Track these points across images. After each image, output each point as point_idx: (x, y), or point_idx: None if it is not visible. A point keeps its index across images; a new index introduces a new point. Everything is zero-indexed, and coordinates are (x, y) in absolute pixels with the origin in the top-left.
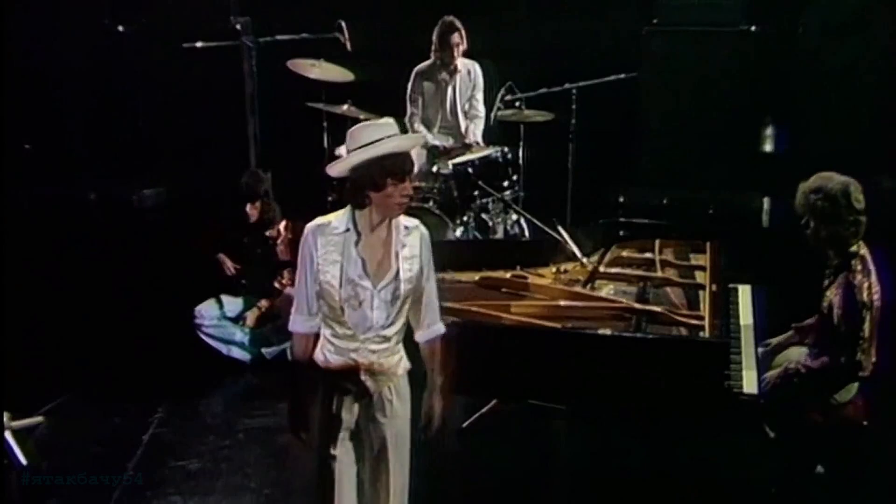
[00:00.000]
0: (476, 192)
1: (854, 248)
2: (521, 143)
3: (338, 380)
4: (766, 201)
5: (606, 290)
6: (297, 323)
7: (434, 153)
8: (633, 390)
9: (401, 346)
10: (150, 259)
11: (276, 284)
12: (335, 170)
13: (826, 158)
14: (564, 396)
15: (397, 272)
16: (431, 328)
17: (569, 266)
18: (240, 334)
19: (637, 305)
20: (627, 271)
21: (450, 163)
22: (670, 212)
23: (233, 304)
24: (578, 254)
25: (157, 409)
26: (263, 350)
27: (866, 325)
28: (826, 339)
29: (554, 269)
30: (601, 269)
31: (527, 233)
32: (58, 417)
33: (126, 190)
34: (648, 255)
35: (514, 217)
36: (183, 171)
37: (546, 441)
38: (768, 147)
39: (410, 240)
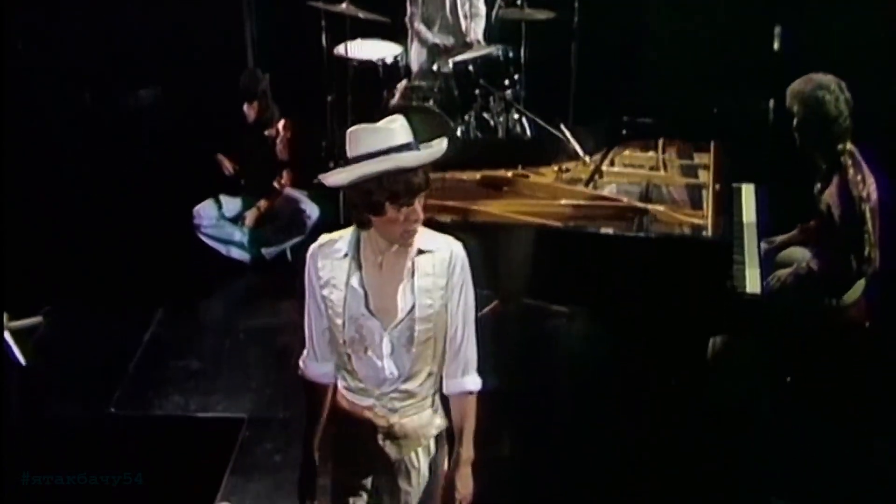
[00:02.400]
0: (477, 91)
1: (842, 147)
2: (522, 42)
3: (351, 439)
4: (771, 102)
5: (608, 188)
6: (307, 368)
7: (435, 52)
8: (634, 290)
9: (435, 399)
10: (147, 160)
11: (275, 184)
12: (330, 181)
13: (832, 58)
14: (565, 296)
15: (412, 308)
16: (459, 381)
17: (571, 165)
18: (239, 234)
19: (639, 204)
20: (630, 170)
21: (450, 61)
22: (674, 111)
23: (231, 204)
24: (581, 152)
25: (157, 309)
26: (263, 250)
27: (868, 219)
28: (830, 241)
29: (556, 168)
30: (603, 167)
31: (528, 132)
32: (57, 318)
33: (122, 90)
34: (651, 154)
35: (516, 116)
36: (179, 71)
37: (546, 342)
38: (775, 47)
39: (430, 266)
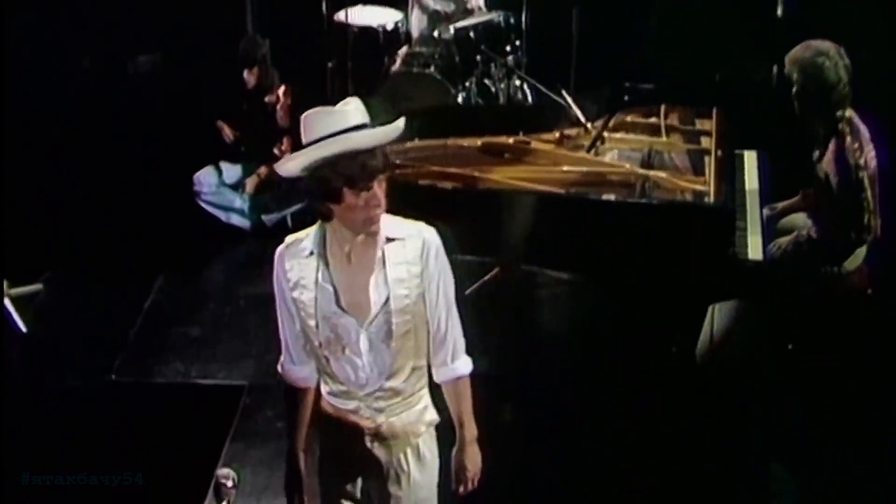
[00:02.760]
0: (478, 58)
1: (840, 113)
2: (523, 8)
3: (338, 444)
4: (774, 68)
5: (610, 155)
6: (287, 373)
7: (436, 18)
8: (636, 257)
9: (423, 394)
10: (146, 127)
11: (276, 151)
12: (284, 170)
13: (833, 24)
14: (566, 263)
15: (387, 300)
16: (450, 367)
17: (572, 131)
18: (239, 201)
19: (641, 171)
20: (632, 136)
21: (451, 28)
22: (676, 77)
23: (232, 171)
24: (582, 119)
25: (158, 276)
26: (263, 217)
27: (867, 187)
28: (828, 209)
29: (557, 135)
30: (605, 134)
31: (530, 98)
32: (57, 285)
33: (121, 57)
34: (654, 120)
35: (517, 82)
36: (179, 37)
37: (547, 310)
38: (778, 13)
39: (402, 254)
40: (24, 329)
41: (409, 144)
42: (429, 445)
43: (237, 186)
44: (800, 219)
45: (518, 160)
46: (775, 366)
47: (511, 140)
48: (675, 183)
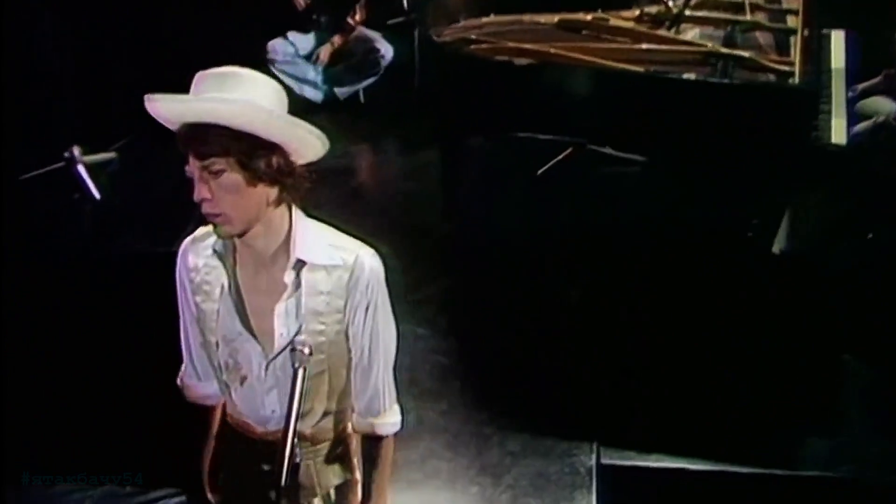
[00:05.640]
0: None
1: None
2: None
3: (238, 484)
4: None
5: (692, 33)
6: (188, 389)
7: None
8: (715, 140)
9: (338, 442)
10: None
11: (349, 20)
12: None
13: None
14: (642, 145)
15: (298, 331)
16: (369, 421)
17: (652, 8)
18: (312, 73)
19: (723, 50)
20: (715, 14)
21: None
22: None
23: (304, 41)
24: None
25: None
26: (336, 90)
27: None
28: None
29: (637, 12)
30: (687, 11)
31: None
32: (131, 153)
33: None
34: None
35: None
36: None
37: (619, 192)
38: None
39: (324, 282)
40: (97, 195)
41: (484, 19)
42: (345, 493)
43: (310, 57)
44: (881, 102)
45: (596, 37)
46: (854, 255)
47: (589, 16)
48: (759, 63)
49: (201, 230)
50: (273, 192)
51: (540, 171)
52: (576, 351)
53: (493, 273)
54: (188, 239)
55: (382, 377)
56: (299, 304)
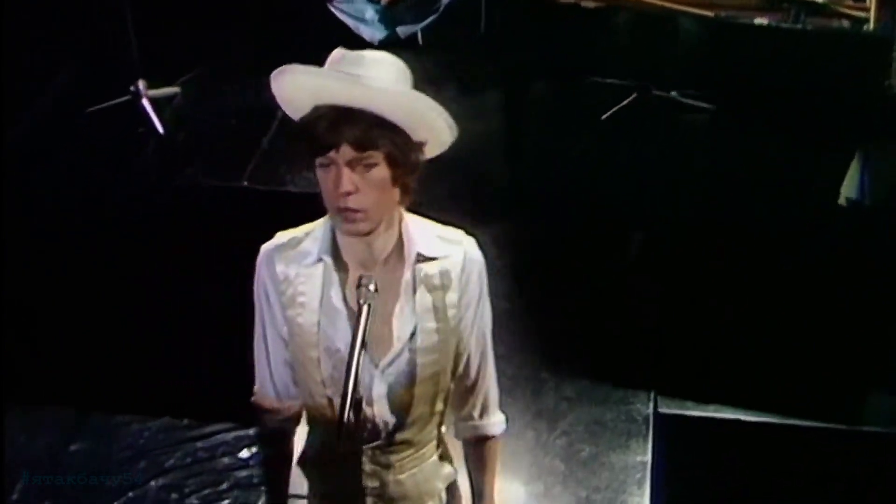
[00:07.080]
0: None
1: None
2: None
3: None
4: None
5: None
6: (265, 415)
7: None
8: (785, 87)
9: (439, 442)
10: None
11: None
12: (275, 86)
13: None
14: (710, 91)
15: (412, 335)
16: (477, 423)
17: None
18: (371, 12)
19: None
20: None
21: None
22: None
23: None
24: None
25: None
26: (398, 29)
27: None
28: None
29: None
30: None
31: None
32: (195, 87)
33: None
34: None
35: None
36: None
37: (684, 139)
38: None
39: (437, 276)
40: (160, 129)
41: None
42: (451, 498)
43: None
44: None
45: None
46: None
47: None
48: (832, 8)
49: (281, 236)
50: (397, 189)
51: (603, 117)
52: (636, 298)
53: (553, 217)
54: (270, 247)
55: (489, 375)
56: (414, 303)
